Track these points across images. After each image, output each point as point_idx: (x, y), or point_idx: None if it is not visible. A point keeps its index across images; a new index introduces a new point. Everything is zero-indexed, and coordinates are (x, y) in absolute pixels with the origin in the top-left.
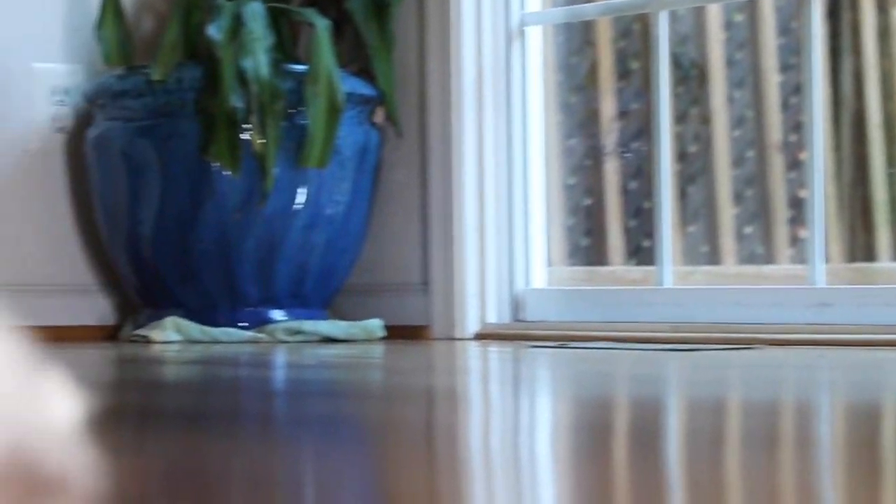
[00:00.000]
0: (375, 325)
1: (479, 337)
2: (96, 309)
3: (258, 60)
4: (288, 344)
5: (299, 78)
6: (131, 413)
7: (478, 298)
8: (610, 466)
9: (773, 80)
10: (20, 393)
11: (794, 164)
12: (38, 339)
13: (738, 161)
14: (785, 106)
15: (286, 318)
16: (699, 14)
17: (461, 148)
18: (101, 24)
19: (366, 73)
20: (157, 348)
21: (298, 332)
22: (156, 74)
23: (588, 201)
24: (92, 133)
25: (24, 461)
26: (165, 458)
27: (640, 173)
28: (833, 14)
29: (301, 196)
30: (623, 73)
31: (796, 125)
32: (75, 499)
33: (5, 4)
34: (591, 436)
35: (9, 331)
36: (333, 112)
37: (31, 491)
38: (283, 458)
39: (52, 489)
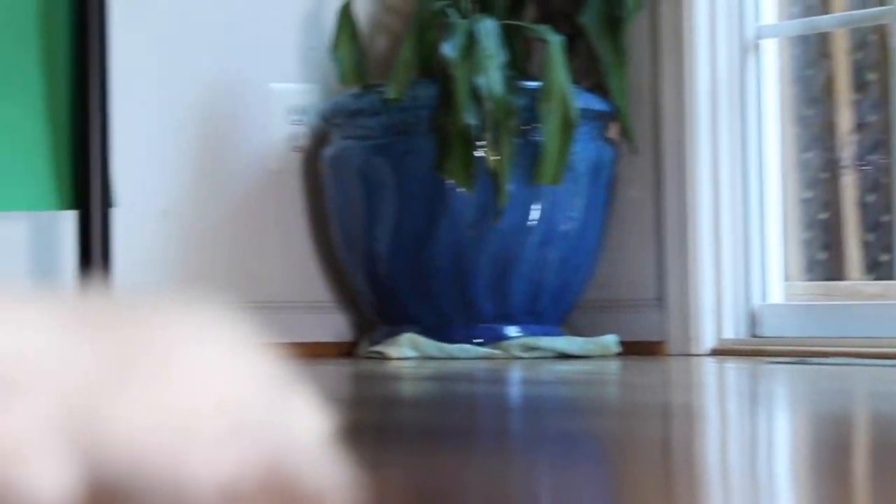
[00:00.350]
0: (610, 341)
1: (715, 353)
2: (333, 326)
3: (492, 77)
4: (523, 360)
5: (533, 94)
6: (370, 429)
7: (714, 314)
8: (850, 485)
9: None
10: (272, 408)
11: None
12: (287, 355)
13: None
14: None
15: (521, 334)
16: None
17: (696, 162)
18: (336, 44)
19: (599, 89)
20: (393, 364)
21: (534, 349)
22: (391, 93)
23: (825, 215)
24: (328, 152)
25: (282, 476)
26: (406, 474)
27: (878, 186)
28: None
29: (535, 212)
30: (860, 85)
31: None
32: None
33: (243, 28)
34: (830, 453)
35: (258, 347)
36: (567, 128)
37: None
38: (520, 474)
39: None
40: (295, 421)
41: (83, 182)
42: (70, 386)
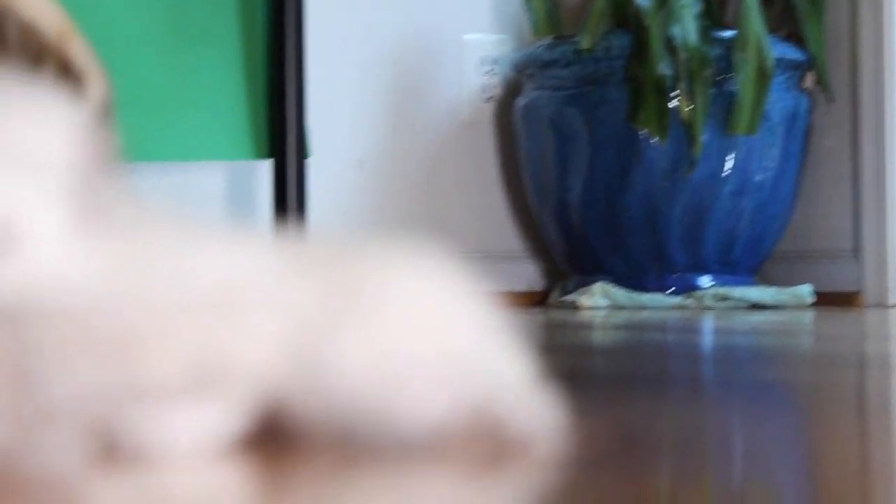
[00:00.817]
0: (805, 291)
1: None
2: (525, 275)
3: (686, 27)
4: (715, 310)
5: (727, 44)
6: (565, 376)
7: None
8: None
9: None
10: (483, 352)
11: None
12: (503, 303)
13: None
14: None
15: (714, 283)
16: None
17: (894, 111)
18: None
19: (795, 38)
20: (585, 314)
21: (726, 299)
22: (584, 43)
23: None
24: (520, 102)
25: (491, 419)
26: (603, 421)
27: None
28: None
29: (729, 163)
30: None
31: None
32: (539, 458)
33: None
34: None
35: (470, 293)
36: (763, 78)
37: (497, 449)
38: (715, 422)
39: (517, 448)
40: (504, 366)
41: (279, 132)
42: (296, 318)
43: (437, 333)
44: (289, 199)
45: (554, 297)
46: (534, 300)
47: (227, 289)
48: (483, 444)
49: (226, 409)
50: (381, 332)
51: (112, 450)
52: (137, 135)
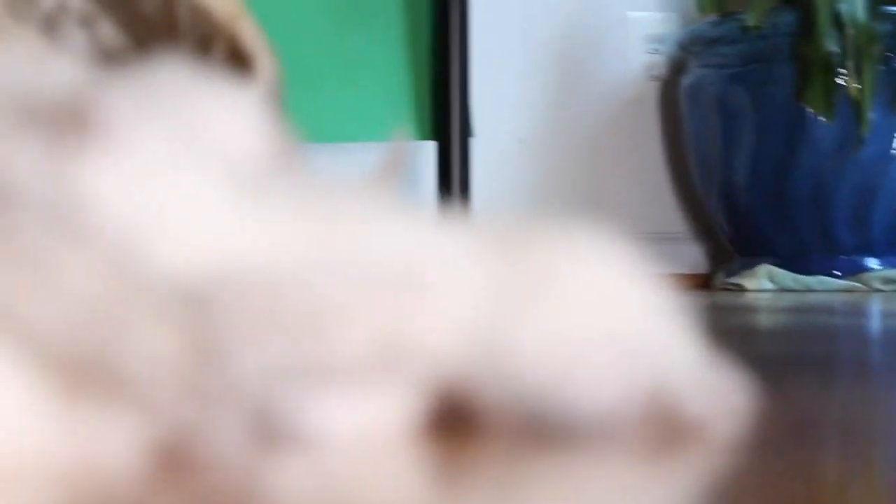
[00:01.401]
0: None
1: None
2: (688, 257)
3: (854, 3)
4: (884, 293)
5: None
6: (731, 359)
7: None
8: None
9: None
10: (657, 336)
11: None
12: (668, 284)
13: None
14: None
15: (882, 266)
16: None
17: None
18: None
19: None
20: (749, 296)
21: (895, 282)
22: (750, 20)
23: None
24: (685, 81)
25: (665, 403)
26: (773, 403)
27: None
28: None
29: None
30: None
31: None
32: (710, 442)
33: None
34: None
35: (643, 275)
36: None
37: (672, 431)
38: (882, 406)
39: (689, 432)
40: (678, 348)
41: (443, 113)
42: (476, 300)
43: (612, 316)
44: (452, 180)
45: (718, 279)
46: (697, 282)
47: (408, 267)
48: (656, 427)
49: (404, 392)
50: (559, 314)
51: (282, 431)
52: (303, 116)
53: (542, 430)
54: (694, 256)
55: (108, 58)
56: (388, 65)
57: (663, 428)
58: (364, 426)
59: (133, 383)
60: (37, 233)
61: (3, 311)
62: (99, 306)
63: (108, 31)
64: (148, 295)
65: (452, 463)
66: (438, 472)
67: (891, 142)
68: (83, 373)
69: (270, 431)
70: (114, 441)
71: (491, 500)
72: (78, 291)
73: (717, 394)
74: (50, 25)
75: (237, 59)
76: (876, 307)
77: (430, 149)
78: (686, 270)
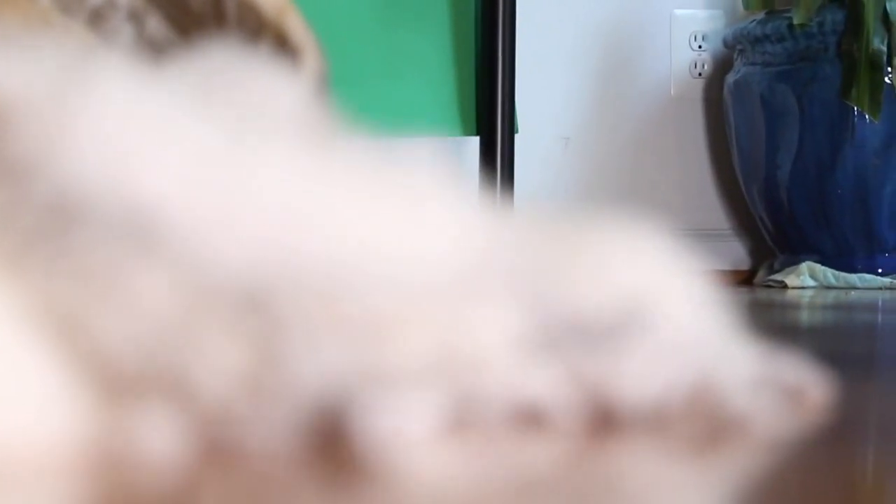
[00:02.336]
0: None
1: None
2: (731, 254)
3: None
4: None
5: None
6: (778, 354)
7: None
8: None
9: None
10: (702, 331)
11: None
12: (711, 279)
13: None
14: None
15: None
16: None
17: None
18: None
19: None
20: (792, 293)
21: None
22: (797, 18)
23: None
24: (731, 78)
25: (709, 398)
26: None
27: None
28: None
29: None
30: None
31: None
32: (753, 438)
33: None
34: None
35: (687, 270)
36: None
37: (716, 425)
38: None
39: (733, 427)
40: (724, 344)
41: (488, 109)
42: (533, 303)
43: (660, 310)
44: (497, 176)
45: (760, 276)
46: (740, 279)
47: (468, 267)
48: (701, 421)
49: (460, 400)
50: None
51: (342, 434)
52: (348, 111)
53: (592, 424)
54: (736, 253)
55: (156, 52)
56: (433, 60)
57: (707, 422)
58: (415, 434)
59: (203, 398)
60: (109, 247)
61: (69, 324)
62: (168, 322)
63: (156, 25)
64: (215, 307)
65: (516, 463)
66: (486, 474)
67: None
68: (144, 383)
69: (330, 432)
70: (159, 434)
71: (548, 494)
72: (147, 307)
73: (760, 390)
74: (98, 19)
75: (284, 53)
76: None
77: (474, 145)
78: (728, 267)
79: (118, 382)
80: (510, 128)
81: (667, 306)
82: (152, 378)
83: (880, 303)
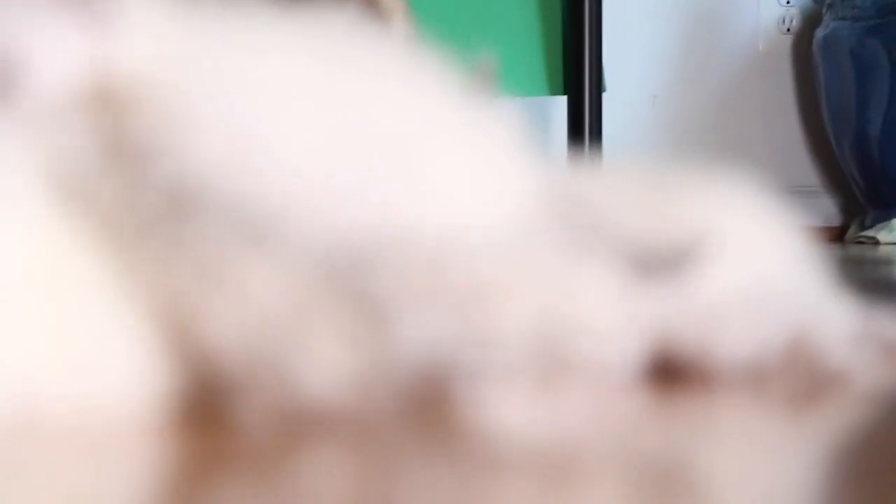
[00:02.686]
0: None
1: None
2: (821, 210)
3: None
4: None
5: None
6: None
7: None
8: None
9: None
10: (800, 287)
11: None
12: (813, 238)
13: None
14: None
15: None
16: None
17: None
18: None
19: None
20: (884, 249)
21: None
22: None
23: None
24: (819, 33)
25: (807, 353)
26: None
27: None
28: None
29: None
30: None
31: None
32: (849, 393)
33: None
34: None
35: (785, 227)
36: None
37: (810, 382)
38: None
39: (831, 382)
40: (821, 300)
41: (575, 68)
42: (636, 268)
43: (758, 268)
44: (584, 135)
45: (852, 232)
46: (831, 235)
47: (559, 221)
48: (798, 378)
49: (560, 365)
50: (713, 267)
51: (448, 401)
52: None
53: (689, 381)
54: (827, 209)
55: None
56: (520, 22)
57: (805, 376)
58: (522, 418)
59: (305, 387)
60: (220, 239)
61: (177, 316)
62: (276, 318)
63: None
64: (322, 295)
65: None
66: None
67: None
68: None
69: (436, 398)
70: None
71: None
72: (256, 302)
73: (857, 345)
74: None
75: (374, 12)
76: None
77: (562, 103)
78: (820, 223)
79: (218, 364)
80: (598, 87)
81: (763, 260)
82: (254, 363)
83: None
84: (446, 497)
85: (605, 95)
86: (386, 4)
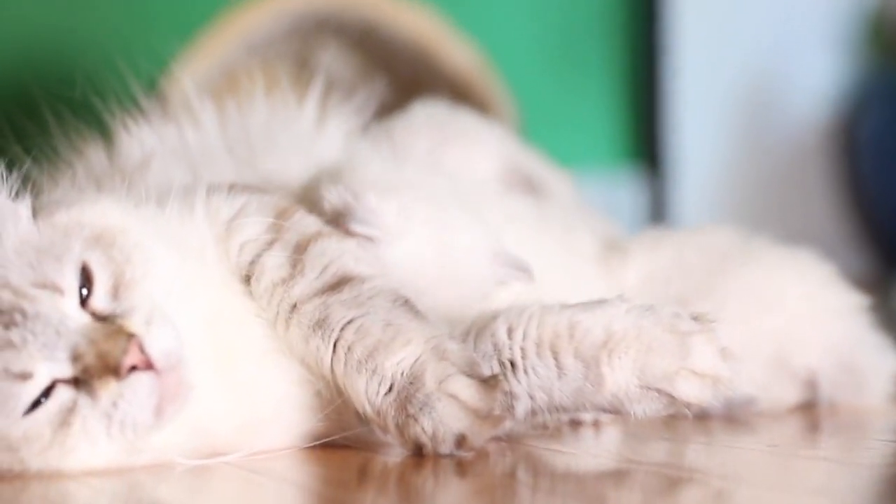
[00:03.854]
0: None
1: None
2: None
3: None
4: None
5: None
6: None
7: None
8: None
9: None
10: (846, 335)
11: None
12: (855, 288)
13: None
14: None
15: None
16: None
17: None
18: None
19: None
20: None
21: None
22: None
23: None
24: (864, 126)
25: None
26: None
27: None
28: None
29: None
30: None
31: None
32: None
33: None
34: None
35: (834, 280)
36: None
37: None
38: None
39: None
40: (866, 345)
41: (648, 138)
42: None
43: (807, 313)
44: (661, 203)
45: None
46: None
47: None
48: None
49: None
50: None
51: None
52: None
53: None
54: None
55: (386, 110)
56: (603, 102)
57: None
58: None
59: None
60: (384, 305)
61: (322, 378)
62: (415, 378)
63: (386, 89)
64: (449, 357)
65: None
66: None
67: None
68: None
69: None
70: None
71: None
72: (402, 364)
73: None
74: (329, 88)
75: (487, 106)
76: None
77: (639, 175)
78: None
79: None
80: (672, 159)
81: (815, 311)
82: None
83: None
84: None
85: (680, 168)
86: (496, 99)
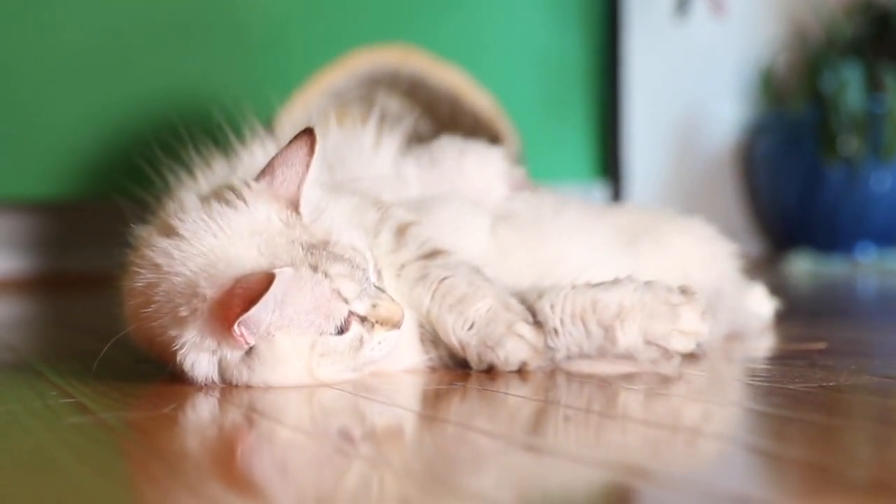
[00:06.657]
0: None
1: None
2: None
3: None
4: None
5: None
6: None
7: None
8: None
9: None
10: (736, 292)
11: None
12: (740, 255)
13: None
14: None
15: None
16: None
17: None
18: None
19: None
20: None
21: None
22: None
23: None
24: (756, 148)
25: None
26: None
27: None
28: None
29: None
30: None
31: None
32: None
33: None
34: None
35: (726, 248)
36: None
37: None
38: None
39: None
40: (752, 303)
41: (611, 160)
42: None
43: (701, 272)
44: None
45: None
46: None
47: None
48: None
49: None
50: (658, 264)
51: None
52: (530, 167)
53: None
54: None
55: (419, 140)
56: (580, 135)
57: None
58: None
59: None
60: (466, 270)
61: (431, 317)
62: (490, 321)
63: (419, 124)
64: (512, 309)
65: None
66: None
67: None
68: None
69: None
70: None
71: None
72: (479, 311)
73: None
74: (382, 122)
75: (497, 139)
76: None
77: (603, 186)
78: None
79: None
80: (624, 173)
81: (706, 270)
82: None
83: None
84: None
85: (631, 180)
86: (505, 133)
